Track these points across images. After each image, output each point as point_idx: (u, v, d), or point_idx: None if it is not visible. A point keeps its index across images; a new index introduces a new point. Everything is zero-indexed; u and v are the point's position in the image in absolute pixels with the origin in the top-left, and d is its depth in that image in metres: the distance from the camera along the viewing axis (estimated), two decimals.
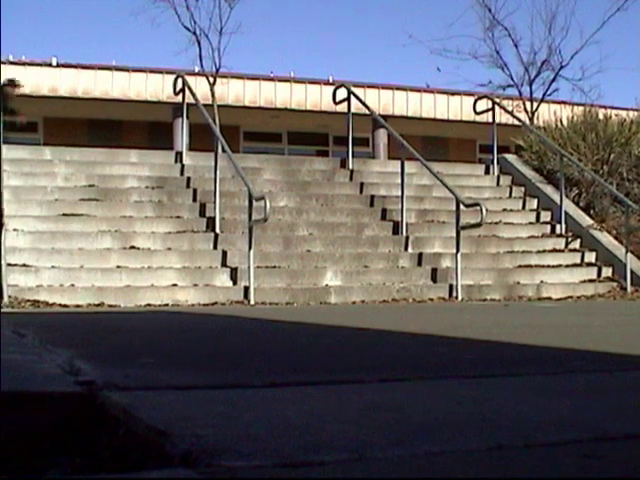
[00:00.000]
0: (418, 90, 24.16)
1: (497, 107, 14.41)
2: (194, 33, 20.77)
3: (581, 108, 14.83)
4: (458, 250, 10.15)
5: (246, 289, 9.19)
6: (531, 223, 12.34)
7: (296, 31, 41.84)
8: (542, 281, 10.72)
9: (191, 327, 6.37)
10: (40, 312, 7.78)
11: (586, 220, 12.15)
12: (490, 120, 14.27)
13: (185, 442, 2.01)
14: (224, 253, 9.84)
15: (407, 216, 11.14)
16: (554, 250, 11.66)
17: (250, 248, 9.28)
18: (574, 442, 2.13)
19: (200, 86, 19.01)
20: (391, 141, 19.35)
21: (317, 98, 22.68)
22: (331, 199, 11.65)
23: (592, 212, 12.46)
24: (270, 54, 39.43)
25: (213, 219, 10.34)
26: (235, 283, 9.47)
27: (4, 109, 14.54)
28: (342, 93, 13.57)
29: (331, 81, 21.71)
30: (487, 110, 14.44)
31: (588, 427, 2.33)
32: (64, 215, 10.17)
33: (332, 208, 11.46)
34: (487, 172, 13.68)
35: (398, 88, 24.05)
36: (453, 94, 23.75)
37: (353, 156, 12.95)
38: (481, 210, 9.94)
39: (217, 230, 10.24)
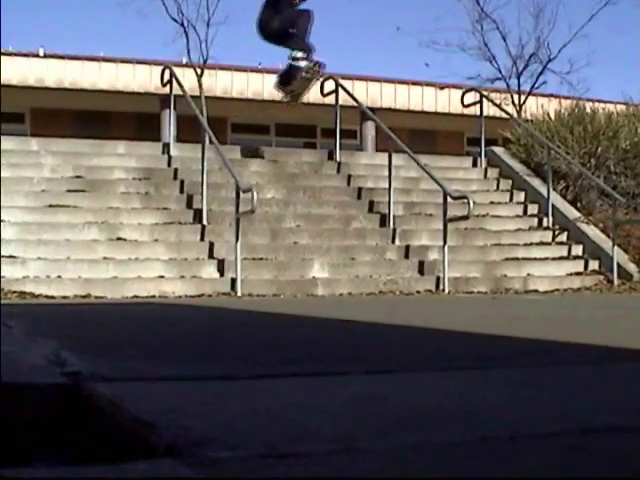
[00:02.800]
0: (406, 83, 24.15)
1: (485, 100, 14.42)
2: (182, 24, 20.75)
3: (569, 101, 14.85)
4: (445, 243, 10.15)
5: (233, 281, 9.17)
6: (518, 216, 12.35)
7: None
8: (529, 274, 10.73)
9: (178, 319, 6.36)
10: (26, 303, 7.75)
11: (573, 213, 12.17)
12: (478, 113, 14.27)
13: (171, 433, 2.00)
14: (211, 245, 9.82)
15: (394, 208, 11.13)
16: (541, 243, 11.67)
17: (237, 240, 9.26)
18: (560, 434, 2.13)
19: (188, 78, 18.93)
20: (379, 133, 19.31)
21: None
22: (318, 191, 11.64)
23: (579, 205, 12.48)
24: (258, 46, 39.23)
25: (200, 211, 10.31)
26: (222, 275, 9.45)
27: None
28: (330, 85, 13.53)
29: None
30: (475, 103, 14.44)
31: (575, 419, 2.33)
32: (51, 206, 10.12)
33: (319, 200, 11.44)
34: (475, 165, 13.68)
35: (386, 80, 24.03)
36: (442, 88, 23.74)
37: (341, 148, 12.92)
38: (468, 203, 9.93)
39: (204, 222, 10.21)
